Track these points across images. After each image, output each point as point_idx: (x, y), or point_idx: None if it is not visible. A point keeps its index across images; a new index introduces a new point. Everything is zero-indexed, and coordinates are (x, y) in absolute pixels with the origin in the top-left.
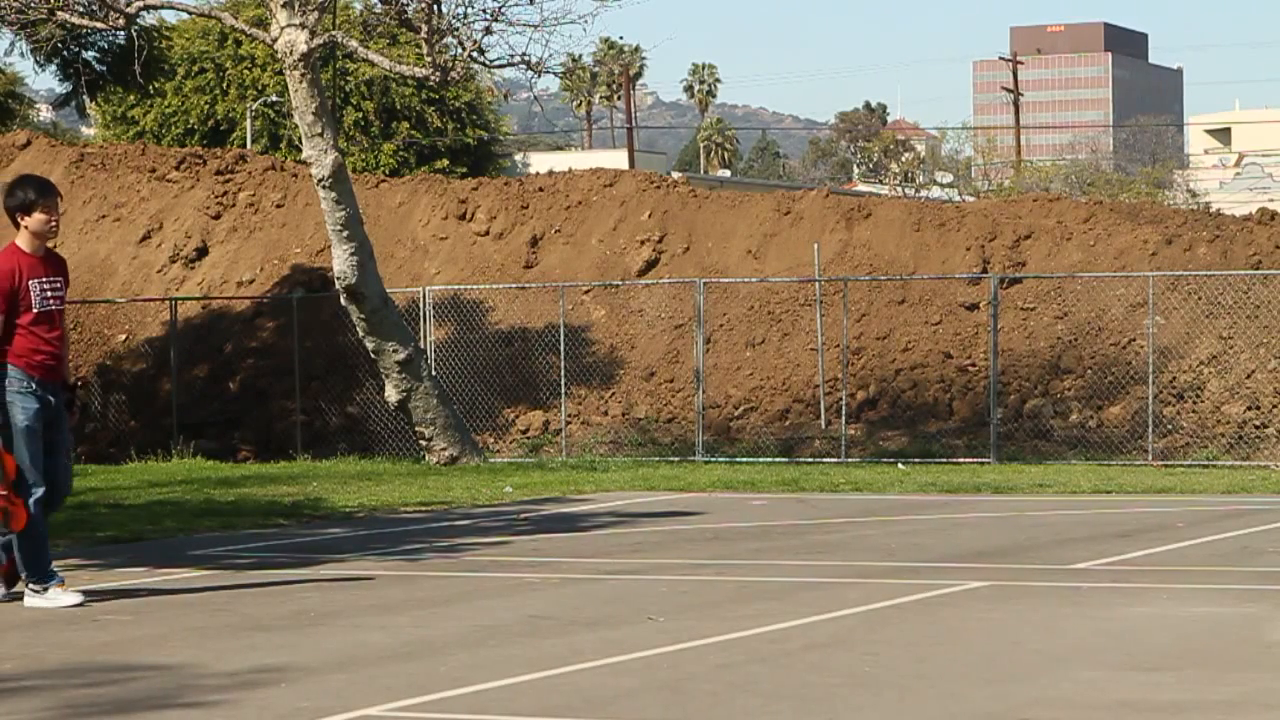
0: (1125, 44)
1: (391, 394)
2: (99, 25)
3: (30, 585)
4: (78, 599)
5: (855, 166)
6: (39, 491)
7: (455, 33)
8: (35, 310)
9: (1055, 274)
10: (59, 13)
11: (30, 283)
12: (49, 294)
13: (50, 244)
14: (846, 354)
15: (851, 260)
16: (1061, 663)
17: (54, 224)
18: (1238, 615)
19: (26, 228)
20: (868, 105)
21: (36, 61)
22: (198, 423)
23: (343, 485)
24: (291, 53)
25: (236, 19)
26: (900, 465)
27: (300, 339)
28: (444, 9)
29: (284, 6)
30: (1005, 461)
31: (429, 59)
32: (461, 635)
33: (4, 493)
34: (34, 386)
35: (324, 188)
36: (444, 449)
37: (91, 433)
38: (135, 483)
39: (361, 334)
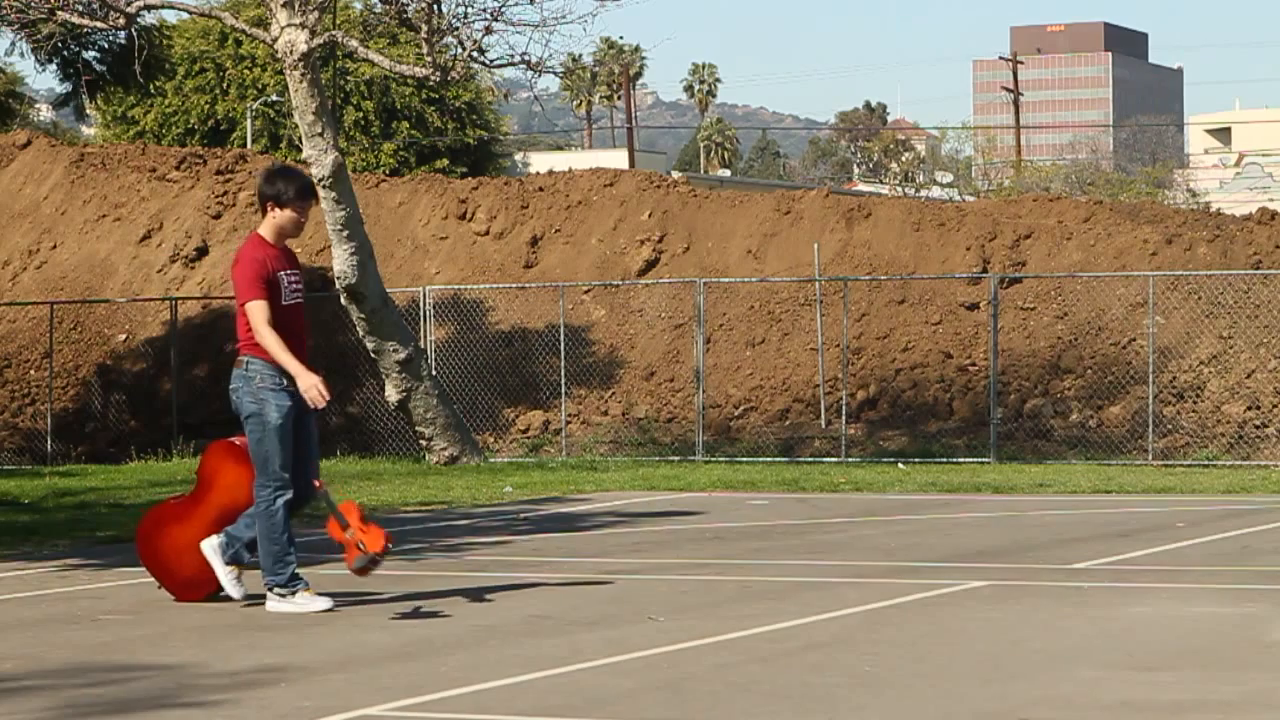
0: (1125, 44)
1: (391, 394)
2: (99, 25)
3: (275, 590)
4: (327, 604)
5: (855, 166)
6: (288, 494)
7: (455, 32)
8: (284, 303)
9: (1055, 274)
10: (59, 12)
11: (279, 274)
12: (294, 286)
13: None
14: (846, 354)
15: (851, 260)
16: (1061, 662)
17: (299, 226)
18: (1238, 615)
19: (274, 219)
20: (868, 105)
21: (37, 61)
22: (198, 422)
23: (343, 485)
24: (291, 52)
25: (236, 19)
26: (900, 465)
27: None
28: (444, 9)
29: (284, 6)
30: (1005, 461)
31: (429, 59)
32: (461, 635)
33: (355, 527)
34: (284, 382)
35: (324, 187)
36: (444, 449)
37: (92, 432)
38: (136, 482)
39: (361, 334)
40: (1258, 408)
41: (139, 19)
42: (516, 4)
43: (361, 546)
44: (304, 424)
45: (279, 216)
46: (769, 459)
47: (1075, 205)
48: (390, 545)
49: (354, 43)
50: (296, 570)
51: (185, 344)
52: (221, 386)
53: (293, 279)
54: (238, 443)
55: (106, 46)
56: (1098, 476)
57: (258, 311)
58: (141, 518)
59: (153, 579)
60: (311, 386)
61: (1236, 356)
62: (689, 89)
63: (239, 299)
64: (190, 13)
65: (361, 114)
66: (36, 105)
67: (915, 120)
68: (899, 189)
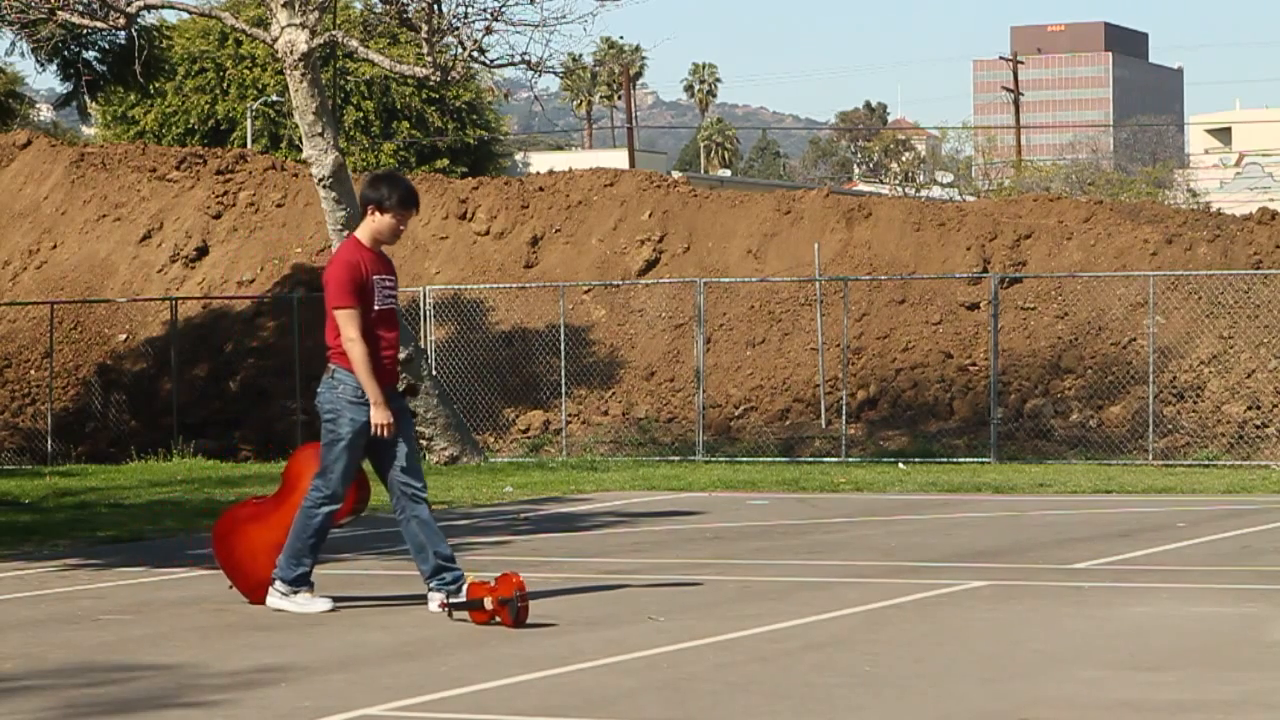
0: (1125, 44)
1: None
2: (99, 25)
3: (279, 586)
4: (328, 605)
5: (855, 166)
6: (335, 506)
7: (455, 32)
8: (377, 308)
9: (1055, 274)
10: (60, 12)
11: (374, 279)
12: (387, 292)
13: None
14: (846, 354)
15: (852, 260)
16: (1062, 662)
17: (397, 234)
18: (1238, 615)
19: (372, 223)
20: (868, 105)
21: (37, 61)
22: (198, 422)
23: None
24: (292, 52)
25: (236, 19)
26: (900, 465)
27: (301, 338)
28: (444, 9)
29: (284, 6)
30: (1005, 461)
31: (429, 59)
32: (461, 635)
33: (489, 596)
34: (366, 396)
35: (324, 187)
36: (444, 449)
37: (92, 432)
38: (136, 482)
39: None
40: (1258, 408)
41: (139, 19)
42: (516, 4)
43: (503, 602)
44: (399, 422)
45: (378, 222)
46: (769, 459)
47: (1075, 205)
48: (520, 582)
49: (354, 43)
50: (308, 575)
51: (185, 344)
52: (222, 386)
53: (387, 284)
54: None
55: (106, 46)
56: (1098, 476)
57: (348, 321)
58: (220, 516)
59: (227, 579)
60: (382, 426)
61: (1237, 356)
62: (689, 89)
63: (330, 303)
64: (190, 13)
65: (361, 114)
66: (36, 105)
67: (915, 120)
68: (899, 189)
